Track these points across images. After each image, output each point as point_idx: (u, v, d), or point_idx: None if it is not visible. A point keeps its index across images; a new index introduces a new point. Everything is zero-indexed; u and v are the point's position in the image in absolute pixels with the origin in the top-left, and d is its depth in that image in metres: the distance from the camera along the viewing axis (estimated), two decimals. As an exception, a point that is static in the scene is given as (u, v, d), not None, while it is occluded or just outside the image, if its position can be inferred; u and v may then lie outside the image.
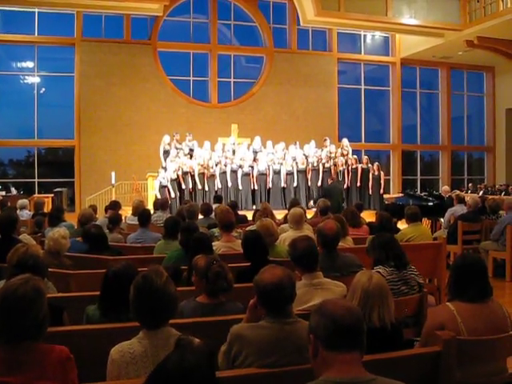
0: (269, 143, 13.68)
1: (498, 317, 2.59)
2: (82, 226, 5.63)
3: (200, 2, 17.43)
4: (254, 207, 11.62)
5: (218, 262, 2.95)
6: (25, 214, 7.96)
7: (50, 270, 3.41)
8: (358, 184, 13.07)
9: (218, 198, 9.41)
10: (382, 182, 13.17)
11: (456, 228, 7.61)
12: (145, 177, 13.54)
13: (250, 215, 8.03)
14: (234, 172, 12.50)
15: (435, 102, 20.82)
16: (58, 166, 17.45)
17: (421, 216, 6.14)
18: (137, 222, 6.24)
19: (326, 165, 13.06)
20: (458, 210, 8.46)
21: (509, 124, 20.17)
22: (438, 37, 16.84)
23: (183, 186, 12.10)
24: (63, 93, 16.26)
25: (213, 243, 4.41)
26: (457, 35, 16.44)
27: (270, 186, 12.72)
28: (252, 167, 12.70)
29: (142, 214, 6.05)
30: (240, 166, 12.58)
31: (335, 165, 13.15)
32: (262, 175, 12.66)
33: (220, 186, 12.31)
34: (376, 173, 13.15)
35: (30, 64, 16.31)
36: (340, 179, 12.76)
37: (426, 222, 9.75)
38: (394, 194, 17.25)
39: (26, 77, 16.42)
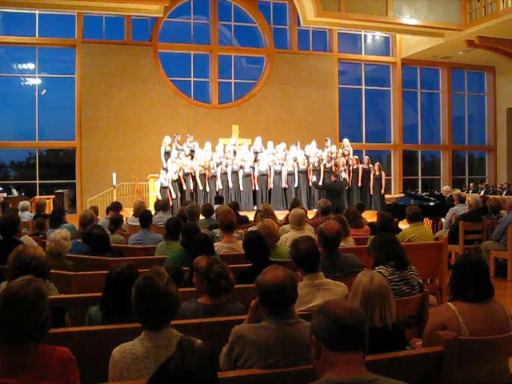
0: (270, 144, 13.69)
1: (499, 317, 2.59)
2: (83, 228, 5.64)
3: (200, 3, 17.45)
4: (255, 208, 11.63)
5: (219, 262, 2.95)
6: (26, 216, 7.96)
7: (51, 271, 3.42)
8: (359, 184, 13.09)
9: (219, 199, 9.41)
10: (383, 182, 13.18)
11: (457, 228, 7.60)
12: (146, 178, 13.57)
13: (251, 216, 8.03)
14: (234, 173, 12.51)
15: (436, 102, 20.81)
16: (59, 167, 17.48)
17: (422, 216, 6.14)
18: (138, 223, 6.25)
19: (327, 165, 13.05)
20: (460, 209, 8.47)
21: (510, 123, 20.16)
22: (439, 37, 16.84)
23: (184, 187, 12.11)
24: (64, 94, 16.28)
25: (214, 244, 4.42)
26: (457, 35, 16.43)
27: (271, 186, 12.73)
28: (253, 168, 12.71)
29: (143, 215, 6.05)
30: (241, 167, 12.59)
31: (336, 165, 13.16)
32: (263, 176, 12.67)
33: (221, 187, 12.32)
34: (377, 173, 13.15)
35: (30, 66, 16.34)
36: (341, 179, 12.74)
37: (427, 222, 9.75)
38: (395, 194, 17.25)
39: (27, 78, 16.45)
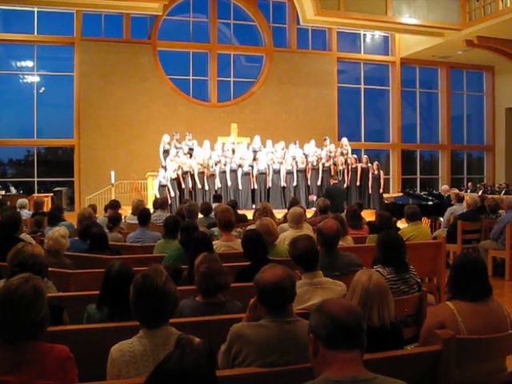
0: (268, 142, 13.68)
1: (497, 316, 2.59)
2: (81, 226, 5.63)
3: (200, 1, 17.42)
4: (254, 206, 11.62)
5: (209, 262, 2.92)
6: (24, 214, 7.95)
7: (49, 269, 3.42)
8: (358, 183, 13.08)
9: (217, 198, 9.40)
10: (382, 181, 13.17)
11: (456, 227, 7.62)
12: (144, 176, 13.54)
13: (249, 214, 8.03)
14: (233, 171, 12.50)
15: (435, 102, 20.82)
16: (58, 165, 17.44)
17: (420, 215, 6.15)
18: (136, 222, 6.24)
19: (326, 164, 13.06)
20: (458, 209, 8.48)
21: (508, 123, 20.19)
22: (438, 36, 16.85)
23: (183, 186, 12.10)
24: (63, 92, 16.25)
25: (213, 242, 4.41)
26: (456, 35, 16.44)
27: (270, 185, 12.72)
28: (252, 166, 12.70)
29: (141, 213, 6.05)
30: (240, 166, 12.58)
31: (335, 164, 13.15)
32: (262, 174, 12.66)
33: (220, 186, 12.31)
34: (376, 172, 13.15)
35: (29, 63, 16.30)
36: (340, 179, 12.74)
37: (425, 221, 9.76)
38: (393, 193, 17.25)
39: (26, 76, 16.40)
